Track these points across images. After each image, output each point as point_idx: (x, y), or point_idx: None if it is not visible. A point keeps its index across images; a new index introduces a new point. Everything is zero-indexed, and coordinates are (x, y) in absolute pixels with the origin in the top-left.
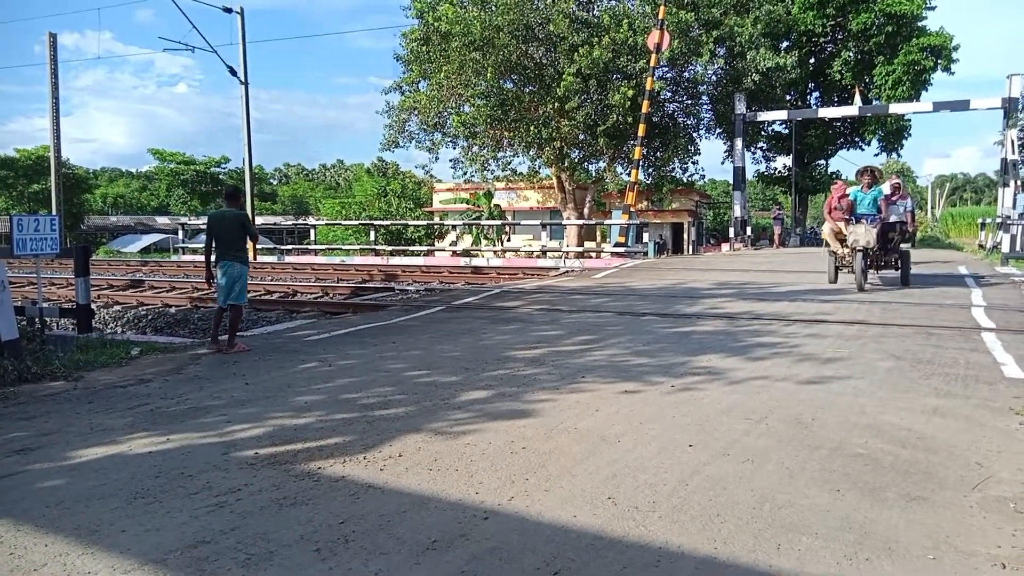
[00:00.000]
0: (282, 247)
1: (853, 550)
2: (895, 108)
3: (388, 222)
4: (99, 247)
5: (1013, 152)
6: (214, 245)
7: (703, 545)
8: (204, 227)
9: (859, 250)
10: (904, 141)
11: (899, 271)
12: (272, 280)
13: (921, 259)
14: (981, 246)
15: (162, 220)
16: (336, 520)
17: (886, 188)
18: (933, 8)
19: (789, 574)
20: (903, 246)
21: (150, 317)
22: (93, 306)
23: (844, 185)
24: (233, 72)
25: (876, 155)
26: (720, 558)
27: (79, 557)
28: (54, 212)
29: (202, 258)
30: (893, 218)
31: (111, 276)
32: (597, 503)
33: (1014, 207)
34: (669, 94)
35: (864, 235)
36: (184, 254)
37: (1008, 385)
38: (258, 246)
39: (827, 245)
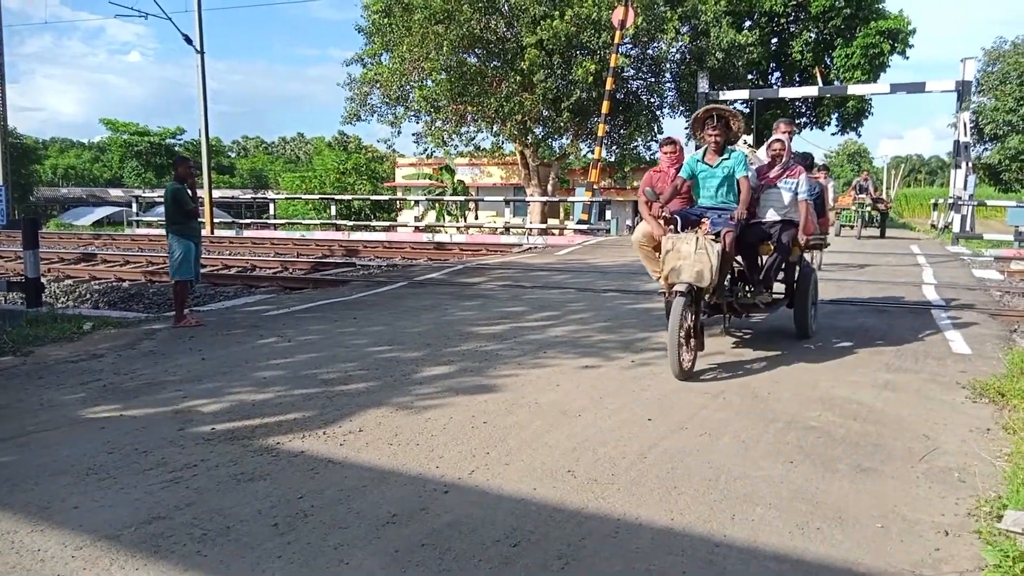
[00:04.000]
0: (240, 221)
1: (805, 519)
2: (853, 89)
3: (349, 196)
4: (50, 220)
5: (965, 134)
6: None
7: (660, 516)
8: (159, 200)
9: (680, 292)
10: (864, 121)
11: (792, 310)
12: (230, 254)
13: (877, 248)
14: (933, 226)
15: (115, 193)
16: (295, 495)
17: (759, 153)
18: None
19: (743, 543)
20: (814, 259)
21: (103, 291)
22: (43, 280)
23: (677, 150)
24: (188, 40)
25: (833, 134)
26: (676, 528)
27: (28, 535)
28: (1, 183)
29: (156, 232)
30: (770, 215)
31: (62, 249)
32: (557, 476)
33: (965, 188)
34: (633, 71)
35: (689, 262)
36: (138, 227)
37: (955, 360)
38: (215, 220)
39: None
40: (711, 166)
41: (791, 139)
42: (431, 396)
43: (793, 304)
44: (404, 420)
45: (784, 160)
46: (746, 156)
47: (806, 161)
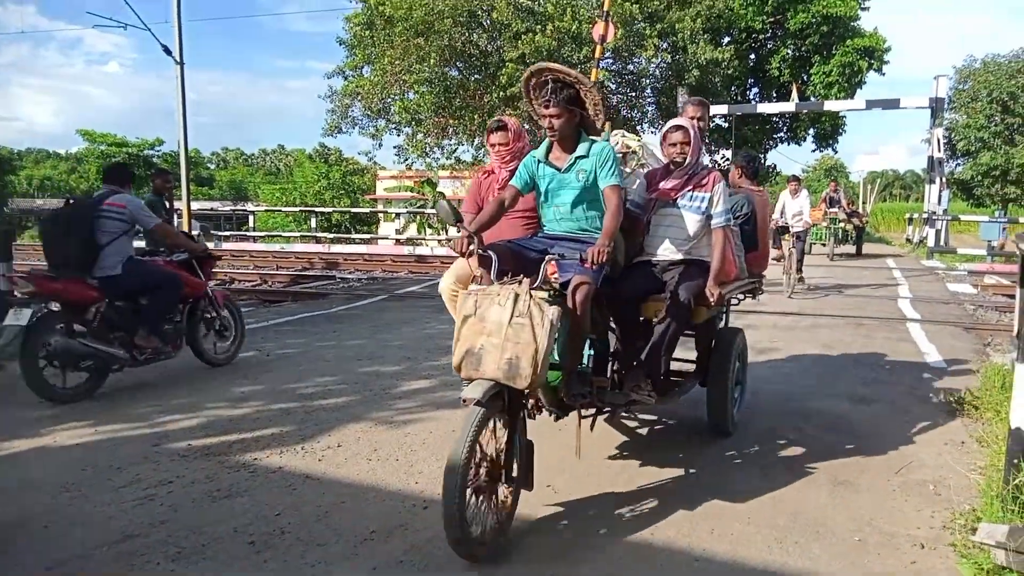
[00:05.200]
0: (219, 233)
1: (783, 533)
2: (830, 105)
3: (329, 209)
4: (24, 231)
5: (939, 150)
6: None
7: (639, 529)
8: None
9: (477, 401)
10: (839, 137)
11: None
12: None
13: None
14: (908, 240)
15: None
16: (272, 512)
17: (655, 151)
18: (867, 9)
19: (722, 558)
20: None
21: None
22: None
23: (511, 139)
24: (168, 51)
25: (812, 151)
26: (655, 543)
27: (0, 555)
28: None
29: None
30: (665, 251)
31: (37, 262)
32: (538, 490)
33: (939, 203)
34: (614, 86)
35: (495, 342)
36: None
37: (930, 373)
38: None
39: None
40: (559, 169)
41: (704, 129)
42: (410, 411)
43: (707, 382)
44: (383, 435)
45: (690, 163)
46: (615, 152)
47: (750, 165)
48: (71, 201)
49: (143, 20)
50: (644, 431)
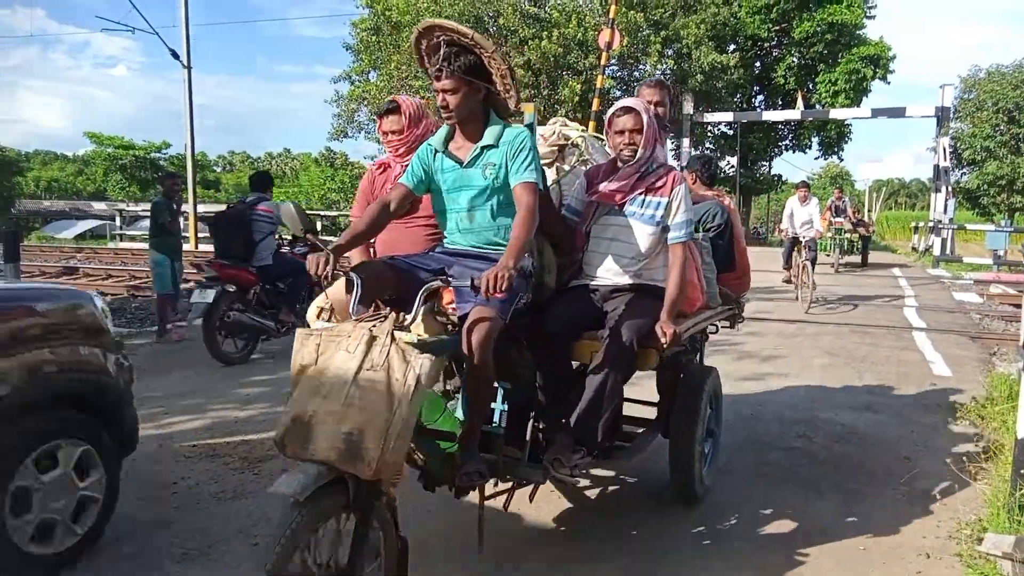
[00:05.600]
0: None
1: (788, 542)
2: (836, 113)
3: (335, 213)
4: (31, 232)
5: (945, 159)
6: None
7: (644, 536)
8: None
9: (295, 498)
10: (845, 145)
11: (668, 442)
12: None
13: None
14: (914, 249)
15: (99, 206)
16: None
17: (575, 132)
18: (872, 17)
19: (726, 568)
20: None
21: None
22: None
23: (404, 122)
24: (175, 55)
25: (816, 158)
26: (661, 550)
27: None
28: None
29: (139, 246)
30: (605, 273)
31: (43, 263)
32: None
33: (945, 212)
34: (619, 93)
35: (333, 408)
36: (121, 241)
37: (936, 382)
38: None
39: None
40: (460, 163)
41: (665, 117)
42: None
43: (669, 433)
44: None
45: (641, 156)
46: (533, 137)
47: (706, 169)
48: (230, 206)
49: (151, 24)
50: None
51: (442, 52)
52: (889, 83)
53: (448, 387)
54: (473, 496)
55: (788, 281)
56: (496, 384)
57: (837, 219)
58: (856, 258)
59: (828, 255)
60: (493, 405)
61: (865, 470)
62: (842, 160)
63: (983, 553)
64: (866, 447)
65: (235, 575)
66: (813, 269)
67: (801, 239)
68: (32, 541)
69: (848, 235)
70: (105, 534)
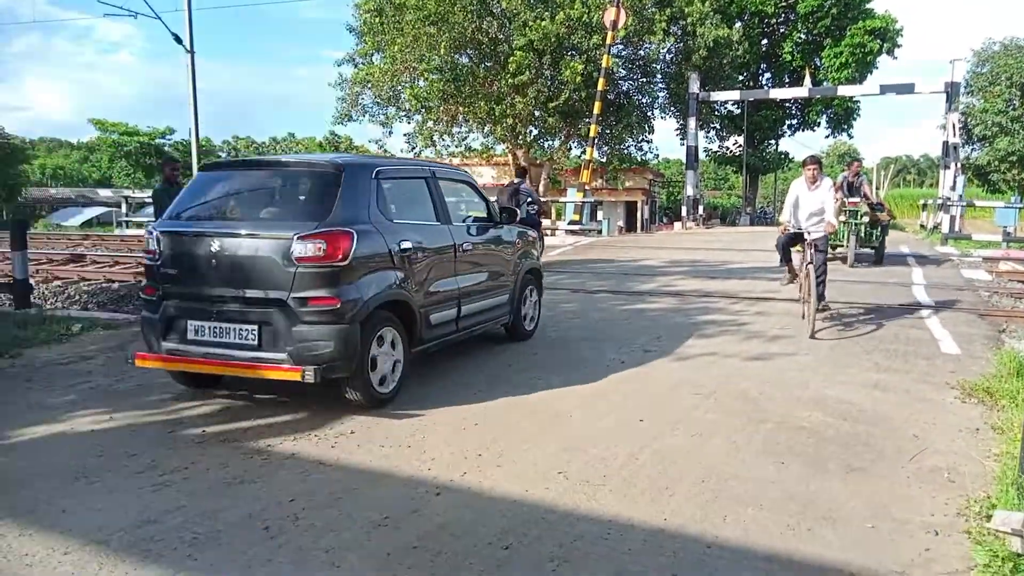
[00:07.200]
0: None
1: (796, 520)
2: (843, 90)
3: None
4: (37, 220)
5: (954, 136)
6: None
7: (652, 517)
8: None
9: None
10: (853, 122)
11: None
12: None
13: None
14: (923, 226)
15: (104, 193)
16: (286, 498)
17: None
18: None
19: (735, 544)
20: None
21: (92, 293)
22: (31, 281)
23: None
24: (179, 40)
25: (826, 136)
26: (668, 529)
27: (16, 539)
28: None
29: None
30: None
31: (50, 251)
32: (549, 478)
33: (954, 189)
34: (624, 72)
35: None
36: (128, 228)
37: (944, 360)
38: None
39: None
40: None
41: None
42: (422, 397)
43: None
44: (396, 422)
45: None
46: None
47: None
48: (506, 185)
49: (154, 9)
50: (654, 424)
51: None
52: (896, 58)
53: None
54: None
55: (791, 282)
56: None
57: (852, 199)
58: (870, 250)
59: (840, 245)
60: None
61: (873, 448)
62: (852, 138)
63: (992, 530)
64: (874, 425)
65: (245, 559)
66: (824, 278)
67: (806, 235)
68: (381, 384)
69: (866, 219)
70: (116, 517)
